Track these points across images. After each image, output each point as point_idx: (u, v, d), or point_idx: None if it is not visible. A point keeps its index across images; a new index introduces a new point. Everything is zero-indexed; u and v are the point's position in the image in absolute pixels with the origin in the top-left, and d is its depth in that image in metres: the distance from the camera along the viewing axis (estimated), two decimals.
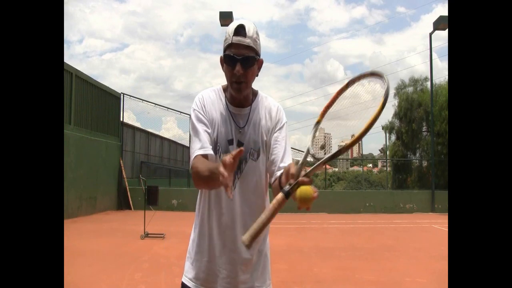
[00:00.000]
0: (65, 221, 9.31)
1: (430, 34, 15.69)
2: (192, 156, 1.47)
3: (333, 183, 37.48)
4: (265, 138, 1.55)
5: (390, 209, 14.30)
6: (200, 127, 1.51)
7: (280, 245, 7.35)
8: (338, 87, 1.36)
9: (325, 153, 1.28)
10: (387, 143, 24.61)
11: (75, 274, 4.83)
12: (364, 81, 1.30)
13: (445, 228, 10.04)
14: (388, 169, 24.93)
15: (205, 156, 1.46)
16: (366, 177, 33.97)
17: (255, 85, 1.61)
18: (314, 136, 1.35)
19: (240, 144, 1.53)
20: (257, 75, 1.55)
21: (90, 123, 12.65)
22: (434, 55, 24.04)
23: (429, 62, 16.01)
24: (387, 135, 23.92)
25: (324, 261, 6.07)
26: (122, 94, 15.28)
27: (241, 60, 1.44)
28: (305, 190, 1.14)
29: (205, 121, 1.53)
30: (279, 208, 1.14)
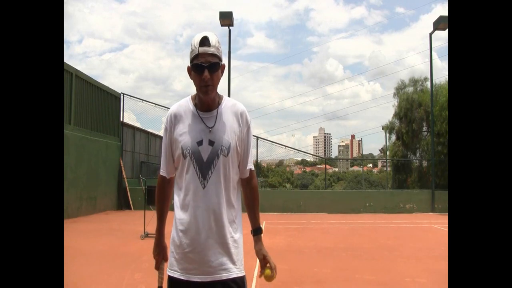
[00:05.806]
0: (65, 221, 9.31)
1: (430, 34, 15.68)
2: (159, 171, 1.82)
3: (333, 183, 37.53)
4: (235, 137, 1.72)
5: (390, 209, 14.29)
6: (164, 150, 1.77)
7: (280, 245, 7.35)
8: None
9: None
10: (387, 143, 24.63)
11: (75, 274, 4.83)
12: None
13: (445, 228, 10.04)
14: (388, 169, 24.90)
15: (163, 177, 1.81)
16: (366, 177, 33.98)
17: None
18: None
19: (211, 143, 1.68)
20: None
21: (90, 123, 12.64)
22: (434, 55, 24.00)
23: (429, 62, 16.03)
24: (387, 135, 23.95)
25: (324, 261, 6.06)
26: (122, 94, 15.26)
27: (208, 67, 1.64)
28: (267, 273, 1.73)
29: (167, 145, 1.76)
30: None
